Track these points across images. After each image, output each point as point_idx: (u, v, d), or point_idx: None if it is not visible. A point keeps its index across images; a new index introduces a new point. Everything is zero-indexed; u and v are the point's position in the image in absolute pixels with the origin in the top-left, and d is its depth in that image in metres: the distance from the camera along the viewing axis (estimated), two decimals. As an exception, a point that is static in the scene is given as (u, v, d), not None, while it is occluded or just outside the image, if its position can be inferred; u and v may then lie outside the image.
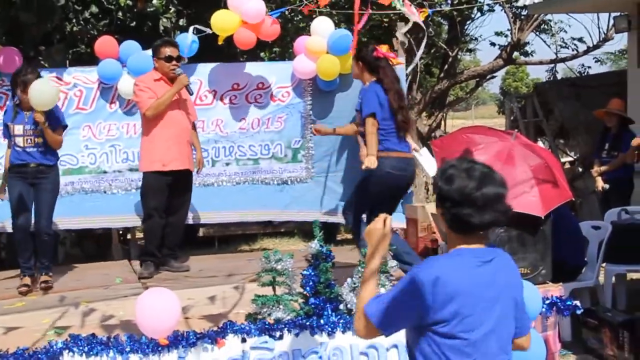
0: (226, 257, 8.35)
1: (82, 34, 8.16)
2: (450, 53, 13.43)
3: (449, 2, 11.95)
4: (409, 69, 8.33)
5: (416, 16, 7.06)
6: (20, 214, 6.27)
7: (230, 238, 11.27)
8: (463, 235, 2.63)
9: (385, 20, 10.42)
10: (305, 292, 4.48)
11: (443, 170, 2.62)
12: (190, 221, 7.55)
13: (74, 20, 7.98)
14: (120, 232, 9.38)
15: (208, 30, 7.57)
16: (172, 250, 6.89)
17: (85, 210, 7.59)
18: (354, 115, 7.02)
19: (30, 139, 6.24)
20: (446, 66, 14.18)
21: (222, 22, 7.32)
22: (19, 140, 6.23)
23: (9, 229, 7.35)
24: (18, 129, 6.22)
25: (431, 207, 7.34)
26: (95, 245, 10.07)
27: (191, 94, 6.76)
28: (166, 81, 6.59)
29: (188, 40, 7.35)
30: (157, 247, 6.74)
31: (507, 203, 2.61)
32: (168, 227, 6.79)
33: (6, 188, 6.37)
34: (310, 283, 4.46)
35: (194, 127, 6.98)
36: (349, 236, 13.32)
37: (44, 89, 6.04)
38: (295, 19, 8.67)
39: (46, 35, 8.62)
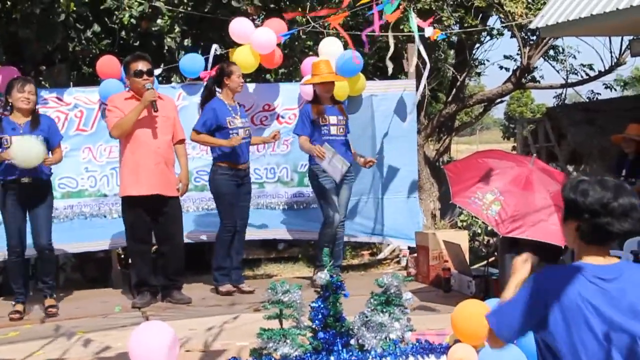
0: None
1: (84, 54, 7.94)
2: (458, 77, 13.21)
3: (457, 26, 11.75)
4: (418, 94, 8.12)
5: (430, 31, 6.92)
6: (14, 236, 6.05)
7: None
8: (598, 245, 2.66)
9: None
10: (314, 326, 4.20)
11: (573, 186, 2.68)
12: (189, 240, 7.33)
13: (76, 40, 7.73)
14: (122, 256, 9.11)
15: (218, 51, 7.42)
16: (173, 280, 6.54)
17: (85, 236, 7.34)
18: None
19: None
20: (454, 90, 13.97)
21: (243, 60, 7.25)
22: None
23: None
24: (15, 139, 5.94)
25: (443, 235, 7.05)
26: (96, 270, 9.78)
27: (155, 111, 6.19)
28: (137, 99, 6.24)
29: (210, 56, 7.29)
30: (149, 275, 6.46)
31: None
32: (163, 257, 6.55)
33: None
34: (320, 316, 4.19)
35: (181, 145, 6.54)
36: (355, 261, 13.09)
37: (27, 147, 5.85)
38: (301, 37, 8.44)
39: (48, 55, 8.41)
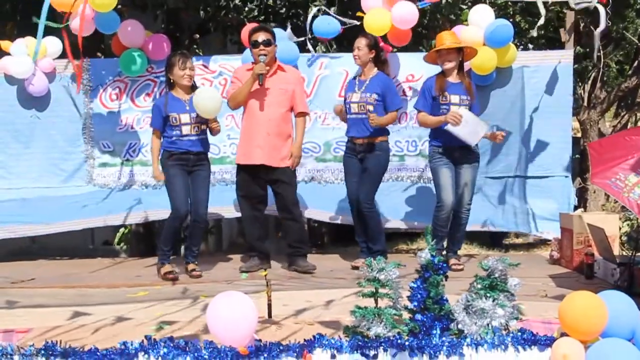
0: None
1: (233, 21, 8.03)
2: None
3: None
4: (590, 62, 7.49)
5: None
6: (181, 202, 6.20)
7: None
8: None
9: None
10: (412, 307, 4.00)
11: None
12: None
13: (225, 9, 7.83)
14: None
15: (354, 22, 7.25)
16: (295, 248, 6.53)
17: (225, 200, 7.45)
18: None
19: (198, 127, 6.20)
20: (637, 62, 12.97)
21: (374, 22, 7.07)
22: (186, 129, 6.16)
23: (152, 217, 7.42)
24: (184, 117, 6.14)
25: (589, 217, 6.53)
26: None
27: (260, 85, 6.18)
28: None
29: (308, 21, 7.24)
30: (257, 240, 6.55)
31: None
32: (285, 224, 6.61)
33: (163, 171, 6.29)
34: (418, 297, 3.98)
35: (301, 116, 6.45)
36: (519, 240, 12.57)
37: (209, 96, 6.07)
38: (450, 5, 8.06)
39: (203, 24, 8.61)
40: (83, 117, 7.51)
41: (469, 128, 6.25)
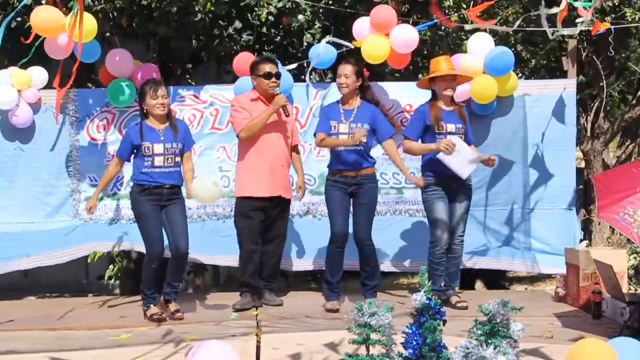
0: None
1: (226, 50, 7.81)
2: (645, 76, 12.03)
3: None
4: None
5: (587, 13, 6.14)
6: (155, 241, 5.95)
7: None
8: None
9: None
10: (407, 354, 3.69)
11: None
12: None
13: (218, 38, 7.62)
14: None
15: (350, 45, 7.02)
16: (268, 282, 6.50)
17: (217, 246, 7.21)
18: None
19: (171, 158, 5.95)
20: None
21: (373, 49, 6.88)
22: (158, 160, 5.91)
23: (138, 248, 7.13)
24: (157, 147, 5.90)
25: (595, 253, 6.22)
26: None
27: (287, 115, 6.24)
28: (263, 101, 6.22)
29: (320, 49, 6.94)
30: (253, 277, 6.35)
31: None
32: (263, 256, 6.39)
33: (134, 208, 6.07)
34: (413, 344, 3.68)
35: (296, 150, 6.52)
36: (522, 273, 12.25)
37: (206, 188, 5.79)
38: (449, 35, 7.85)
39: (195, 53, 8.40)
40: (68, 150, 7.22)
41: (460, 158, 6.02)
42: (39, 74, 7.08)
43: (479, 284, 11.04)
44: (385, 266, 7.25)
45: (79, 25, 5.64)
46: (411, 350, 3.69)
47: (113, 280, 9.99)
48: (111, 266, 9.77)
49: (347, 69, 6.14)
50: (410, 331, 3.70)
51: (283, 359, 4.71)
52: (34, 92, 7.10)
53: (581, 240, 7.32)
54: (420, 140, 6.26)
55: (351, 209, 6.23)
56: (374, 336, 3.69)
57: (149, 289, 6.03)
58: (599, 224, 10.47)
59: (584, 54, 10.24)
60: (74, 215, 7.26)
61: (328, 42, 6.96)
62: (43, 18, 6.40)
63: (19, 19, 7.36)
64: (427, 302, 3.69)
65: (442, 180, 6.14)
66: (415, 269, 7.44)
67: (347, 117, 6.15)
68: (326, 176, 6.31)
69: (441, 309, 3.72)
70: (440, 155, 6.00)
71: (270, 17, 7.43)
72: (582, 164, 11.14)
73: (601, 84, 10.11)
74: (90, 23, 6.34)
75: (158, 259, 5.97)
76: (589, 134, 11.10)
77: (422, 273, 3.79)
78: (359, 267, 6.38)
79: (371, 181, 6.23)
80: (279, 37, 7.91)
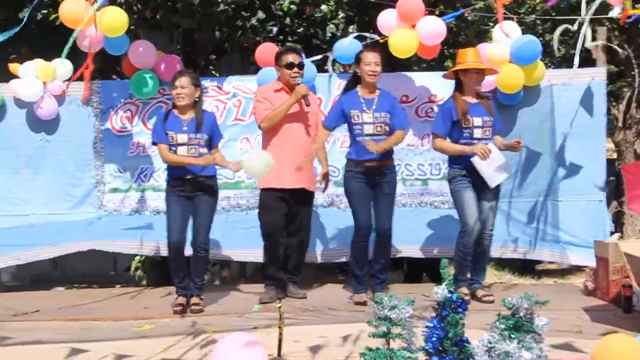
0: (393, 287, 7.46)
1: (249, 42, 7.76)
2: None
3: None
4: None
5: (617, 11, 6.00)
6: (173, 232, 5.90)
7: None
8: None
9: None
10: (427, 348, 3.62)
11: None
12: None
13: (241, 29, 7.58)
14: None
15: (375, 37, 6.93)
16: (292, 275, 6.47)
17: (240, 239, 7.15)
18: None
19: (195, 149, 5.87)
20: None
21: (401, 44, 6.80)
22: (182, 150, 5.85)
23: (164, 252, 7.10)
24: (181, 137, 5.85)
25: (626, 246, 6.08)
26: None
27: (307, 105, 6.16)
28: (287, 92, 6.18)
29: (345, 43, 6.86)
30: (277, 270, 6.32)
31: None
32: (287, 249, 6.35)
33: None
34: (434, 338, 3.60)
35: None
36: (552, 266, 12.10)
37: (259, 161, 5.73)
38: (475, 22, 7.74)
39: (219, 44, 8.36)
40: (93, 141, 7.25)
41: (493, 167, 5.93)
42: (63, 66, 7.08)
43: (507, 277, 10.93)
44: (410, 252, 7.15)
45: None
46: (431, 345, 3.62)
47: (140, 271, 10.01)
48: (137, 257, 9.78)
49: (377, 58, 6.01)
50: (432, 325, 3.63)
51: (304, 351, 4.64)
52: (58, 84, 7.13)
53: (612, 233, 7.18)
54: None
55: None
56: (394, 330, 3.62)
57: (176, 277, 6.02)
58: (631, 216, 10.29)
59: (616, 43, 10.05)
60: (99, 207, 7.29)
61: (355, 38, 6.88)
62: (70, 10, 6.42)
63: (44, 11, 7.39)
64: (449, 295, 3.61)
65: (471, 171, 6.03)
66: (442, 255, 7.33)
67: (369, 107, 6.02)
68: (345, 167, 6.20)
69: (463, 303, 3.64)
70: (475, 159, 5.90)
71: (293, 7, 7.35)
72: (614, 155, 10.95)
73: (632, 72, 9.90)
74: (121, 17, 6.38)
75: (174, 249, 5.91)
76: (620, 124, 10.89)
77: (443, 266, 3.71)
78: (373, 259, 6.26)
79: (392, 171, 6.16)
80: (302, 28, 7.82)
